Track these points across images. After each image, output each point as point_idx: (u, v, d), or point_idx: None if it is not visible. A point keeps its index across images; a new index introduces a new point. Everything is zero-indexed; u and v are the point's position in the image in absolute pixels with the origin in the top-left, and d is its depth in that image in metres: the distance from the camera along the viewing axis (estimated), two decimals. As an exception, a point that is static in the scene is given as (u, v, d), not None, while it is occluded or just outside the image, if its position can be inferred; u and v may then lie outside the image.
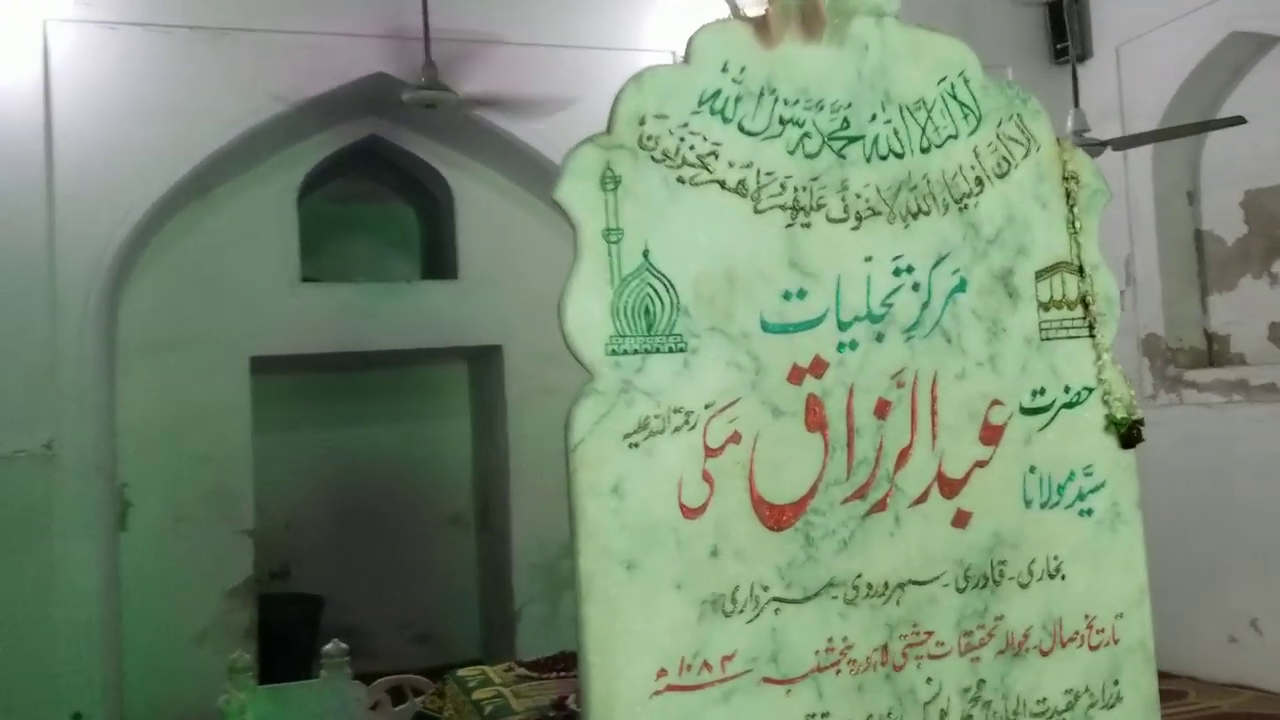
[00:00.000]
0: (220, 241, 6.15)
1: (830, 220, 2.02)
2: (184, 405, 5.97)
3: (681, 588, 1.85)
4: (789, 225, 1.99)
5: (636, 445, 1.84)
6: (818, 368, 1.99)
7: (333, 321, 6.31)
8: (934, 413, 2.06)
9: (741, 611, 1.89)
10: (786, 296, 1.98)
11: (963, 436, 2.08)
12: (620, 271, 1.87)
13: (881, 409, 2.02)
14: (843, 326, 2.01)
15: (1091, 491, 2.15)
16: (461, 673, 4.06)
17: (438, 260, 7.00)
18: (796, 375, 1.97)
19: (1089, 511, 2.15)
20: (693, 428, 1.88)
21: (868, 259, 2.04)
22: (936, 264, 2.09)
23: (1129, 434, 2.16)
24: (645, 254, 1.89)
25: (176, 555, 5.91)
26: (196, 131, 5.56)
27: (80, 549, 5.36)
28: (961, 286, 2.11)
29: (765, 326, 1.96)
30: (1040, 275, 2.17)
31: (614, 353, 1.85)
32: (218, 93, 5.58)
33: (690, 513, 1.87)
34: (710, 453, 1.89)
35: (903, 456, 2.03)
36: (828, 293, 2.01)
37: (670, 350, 1.88)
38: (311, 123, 6.12)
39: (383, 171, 7.11)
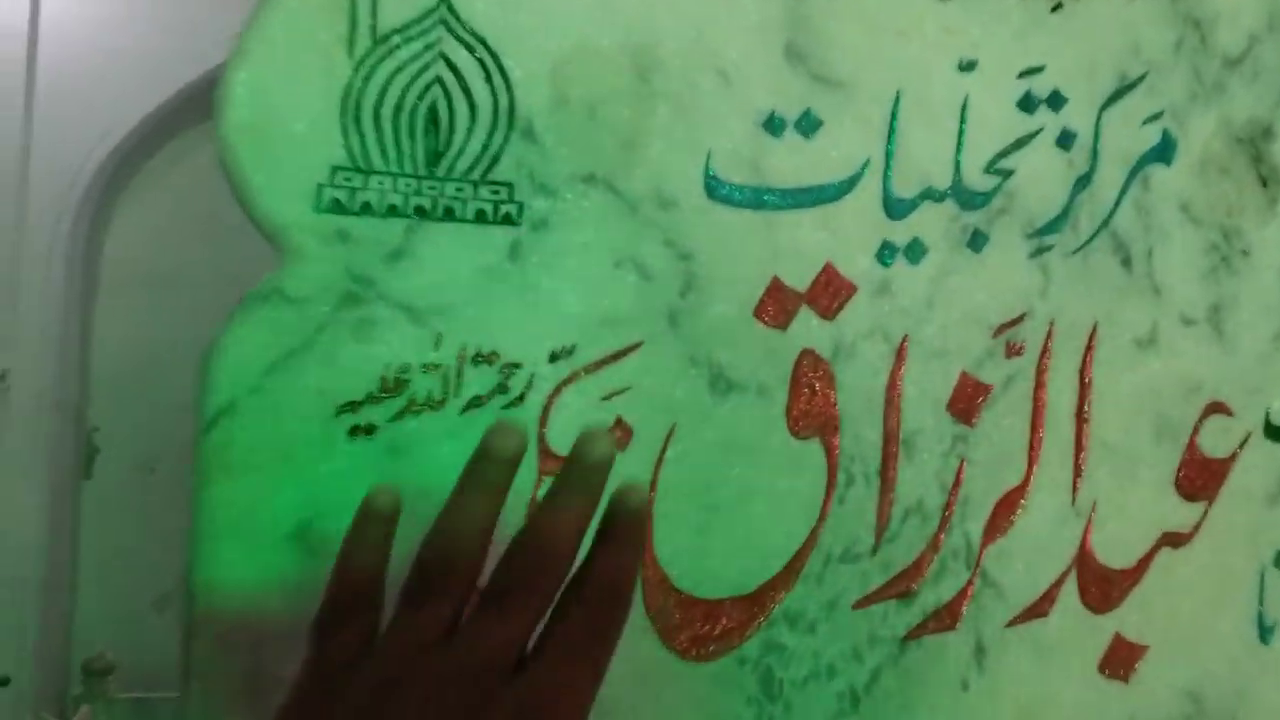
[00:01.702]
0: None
1: (888, -24, 0.93)
2: (169, 346, 5.26)
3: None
4: (793, -27, 0.90)
5: (371, 431, 0.77)
6: (829, 293, 0.89)
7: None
8: (1082, 417, 0.95)
9: None
10: (774, 126, 0.89)
11: (1141, 474, 0.96)
12: (376, 20, 0.79)
13: (968, 399, 0.92)
14: (895, 208, 0.91)
15: None
16: None
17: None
18: (775, 306, 0.88)
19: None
20: (518, 400, 0.81)
21: (965, 66, 0.94)
22: (1113, 98, 0.98)
23: None
24: (445, -8, 0.81)
25: (141, 509, 5.27)
26: (198, 42, 4.81)
27: (26, 495, 4.96)
28: (1164, 151, 0.99)
29: (714, 188, 0.86)
30: (1330, 150, 1.05)
31: (337, 207, 0.77)
32: (227, -2, 4.80)
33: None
34: (555, 465, 0.81)
35: (1004, 509, 0.92)
36: (869, 128, 0.91)
37: (477, 217, 0.80)
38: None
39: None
